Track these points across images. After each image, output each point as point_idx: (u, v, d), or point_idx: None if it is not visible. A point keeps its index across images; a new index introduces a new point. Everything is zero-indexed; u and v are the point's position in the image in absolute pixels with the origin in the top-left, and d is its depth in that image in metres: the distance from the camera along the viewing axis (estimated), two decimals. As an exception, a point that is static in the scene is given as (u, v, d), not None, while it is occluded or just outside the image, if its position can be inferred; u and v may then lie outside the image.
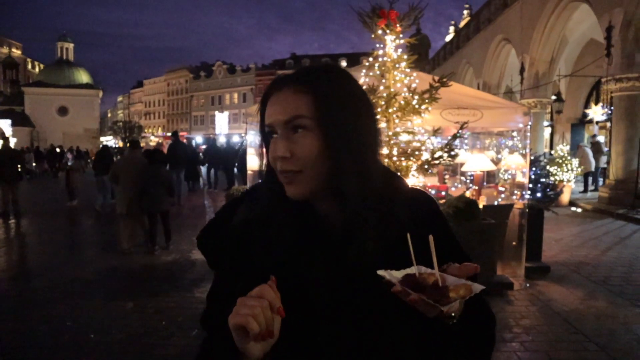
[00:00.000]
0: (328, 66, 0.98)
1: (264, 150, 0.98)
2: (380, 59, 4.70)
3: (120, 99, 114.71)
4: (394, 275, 0.80)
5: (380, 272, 0.80)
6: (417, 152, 4.59)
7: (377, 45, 4.71)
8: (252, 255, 0.95)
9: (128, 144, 9.25)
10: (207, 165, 19.07)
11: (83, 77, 66.09)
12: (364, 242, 0.90)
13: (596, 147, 15.48)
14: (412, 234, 0.86)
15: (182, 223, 10.94)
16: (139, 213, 7.82)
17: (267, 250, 0.93)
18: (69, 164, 13.53)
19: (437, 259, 0.80)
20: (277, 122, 0.91)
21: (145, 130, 78.73)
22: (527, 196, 6.28)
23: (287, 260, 0.91)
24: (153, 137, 70.93)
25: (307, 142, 0.90)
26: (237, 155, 17.97)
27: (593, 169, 15.19)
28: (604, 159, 15.30)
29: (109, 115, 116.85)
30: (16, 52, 71.42)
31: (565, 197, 12.96)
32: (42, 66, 73.62)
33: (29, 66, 75.68)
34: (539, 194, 6.89)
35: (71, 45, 68.29)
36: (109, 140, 66.97)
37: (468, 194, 6.21)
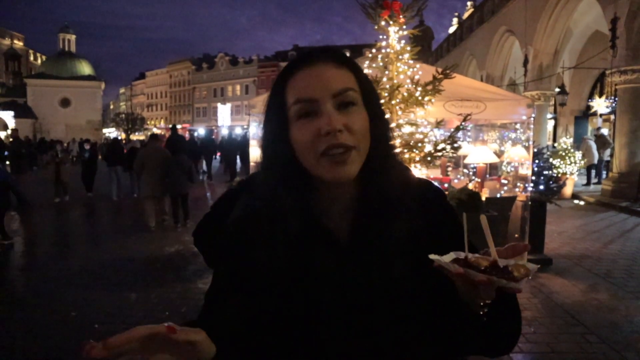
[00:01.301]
0: (339, 50, 0.94)
1: (286, 133, 0.85)
2: (383, 51, 4.68)
3: (122, 90, 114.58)
4: (443, 259, 0.76)
5: (432, 256, 0.76)
6: (420, 144, 4.58)
7: (380, 37, 4.69)
8: (253, 254, 0.88)
9: (149, 137, 10.57)
10: (203, 156, 19.24)
11: (85, 68, 66.01)
12: (397, 229, 0.86)
13: (601, 140, 15.41)
14: (423, 225, 0.86)
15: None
16: (162, 195, 9.05)
17: (269, 248, 0.86)
18: (59, 156, 13.00)
19: (446, 251, 0.78)
20: (325, 93, 0.82)
21: (148, 122, 78.67)
22: (529, 189, 6.27)
23: (291, 257, 0.85)
24: (155, 129, 70.96)
25: (362, 117, 0.85)
26: (237, 147, 18.14)
27: (596, 161, 15.14)
28: (608, 151, 15.25)
29: (112, 107, 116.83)
30: (18, 44, 71.32)
31: (568, 190, 12.94)
32: (44, 58, 73.56)
33: (31, 57, 75.58)
34: (541, 187, 6.89)
35: (73, 37, 68.13)
36: (112, 132, 67.01)
37: (471, 186, 6.21)
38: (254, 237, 0.88)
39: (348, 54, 0.93)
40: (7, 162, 16.06)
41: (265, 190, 0.89)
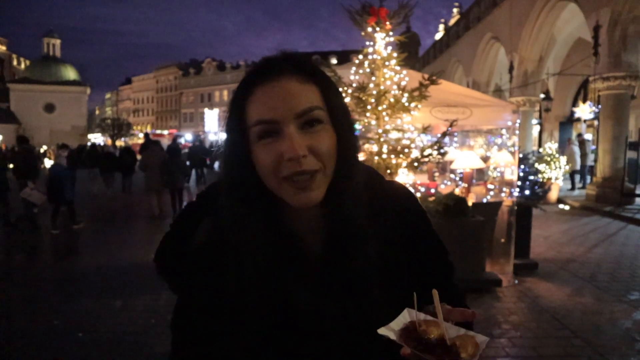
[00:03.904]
0: (305, 55, 0.88)
1: (242, 156, 0.80)
2: (370, 57, 4.71)
3: (108, 95, 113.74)
4: (392, 328, 0.74)
5: (380, 331, 0.74)
6: (406, 150, 4.60)
7: (367, 43, 4.72)
8: (222, 282, 0.83)
9: (144, 140, 13.32)
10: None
11: (70, 73, 65.36)
12: (365, 250, 0.83)
13: (582, 147, 15.65)
14: (396, 234, 0.85)
15: (171, 221, 10.87)
16: (161, 190, 10.85)
17: (238, 275, 0.81)
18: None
19: (418, 259, 0.78)
20: (287, 113, 0.76)
21: (134, 128, 78.05)
22: (515, 194, 6.33)
23: (262, 283, 0.81)
24: (141, 135, 70.31)
25: (328, 136, 0.79)
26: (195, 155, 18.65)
27: (579, 167, 15.36)
28: (591, 156, 15.48)
29: (97, 112, 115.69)
30: (1, 48, 70.43)
31: (553, 195, 13.09)
32: (28, 62, 72.72)
33: (15, 62, 74.71)
34: (527, 192, 6.95)
35: (58, 41, 67.46)
36: (97, 138, 66.35)
37: (457, 191, 6.25)
38: (221, 264, 0.83)
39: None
40: None
41: (229, 214, 0.83)
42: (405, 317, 0.76)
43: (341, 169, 0.81)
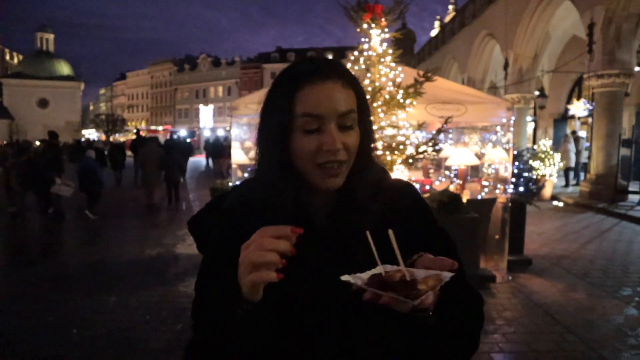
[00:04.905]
0: (343, 64, 1.02)
1: (287, 141, 0.93)
2: (365, 53, 4.70)
3: (102, 91, 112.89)
4: (361, 277, 0.79)
5: (344, 278, 0.78)
6: (401, 147, 4.61)
7: (363, 39, 4.71)
8: (242, 237, 0.90)
9: (136, 137, 13.96)
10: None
11: (64, 68, 64.90)
12: (364, 223, 0.90)
13: (576, 144, 15.70)
14: (396, 225, 0.88)
15: (166, 217, 10.87)
16: (158, 183, 11.69)
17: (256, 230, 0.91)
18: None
19: (422, 249, 0.80)
20: (332, 112, 0.91)
21: (129, 124, 77.59)
22: (510, 190, 6.35)
23: None
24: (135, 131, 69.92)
25: (356, 136, 0.95)
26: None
27: (573, 164, 15.42)
28: (585, 153, 15.53)
29: (91, 107, 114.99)
30: (-6, 43, 69.77)
31: (547, 192, 13.15)
32: (21, 57, 72.12)
33: (7, 57, 74.05)
34: (521, 188, 6.98)
35: (51, 36, 66.92)
36: (91, 134, 66.01)
37: (452, 188, 6.27)
38: (245, 220, 0.95)
39: (330, 57, 0.97)
40: None
41: (260, 181, 0.98)
42: (379, 270, 0.80)
43: (359, 162, 0.97)
